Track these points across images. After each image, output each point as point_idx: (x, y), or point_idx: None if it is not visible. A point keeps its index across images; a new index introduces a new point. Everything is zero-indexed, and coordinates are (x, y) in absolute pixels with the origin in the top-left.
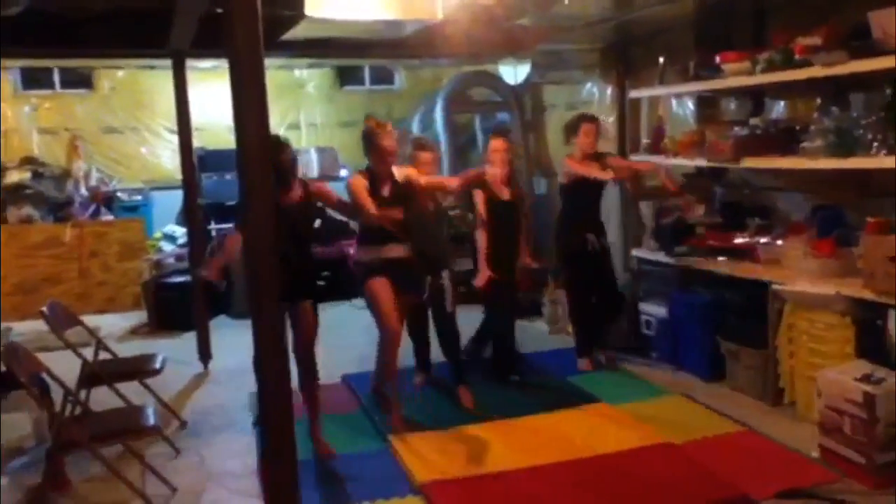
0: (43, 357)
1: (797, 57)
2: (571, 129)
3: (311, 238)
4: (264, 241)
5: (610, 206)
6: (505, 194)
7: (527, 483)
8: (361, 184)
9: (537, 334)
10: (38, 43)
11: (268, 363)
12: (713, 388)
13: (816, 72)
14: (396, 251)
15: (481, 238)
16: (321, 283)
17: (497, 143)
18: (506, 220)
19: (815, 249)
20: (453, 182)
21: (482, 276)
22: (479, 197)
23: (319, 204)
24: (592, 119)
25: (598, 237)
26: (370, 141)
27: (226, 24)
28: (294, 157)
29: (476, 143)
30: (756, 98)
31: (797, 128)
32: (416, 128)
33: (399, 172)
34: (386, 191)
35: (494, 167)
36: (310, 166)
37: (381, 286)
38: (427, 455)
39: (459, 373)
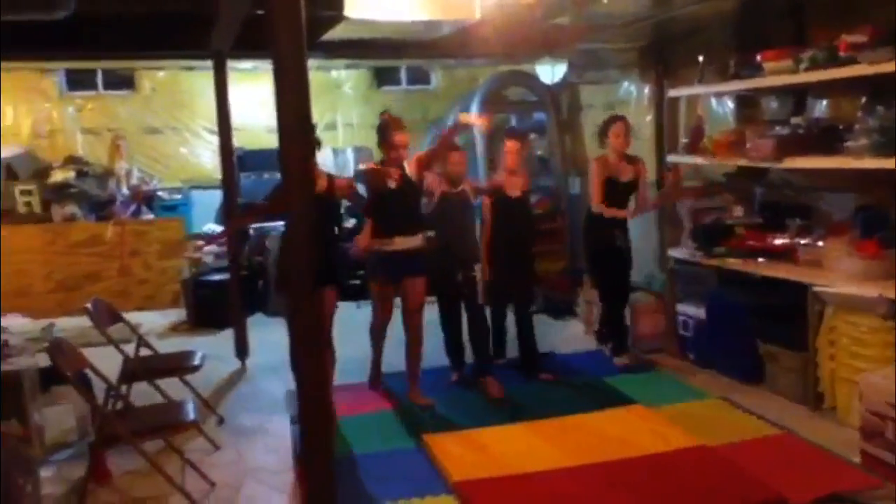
0: (85, 352)
1: (841, 54)
2: (603, 132)
3: (334, 229)
4: (303, 240)
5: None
6: (515, 191)
7: (561, 483)
8: (371, 168)
9: (573, 335)
10: (83, 45)
11: (305, 361)
12: (751, 391)
13: (862, 70)
14: (405, 243)
15: (483, 237)
16: (356, 281)
17: (510, 145)
18: (516, 218)
19: (858, 251)
20: (477, 119)
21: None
22: (485, 199)
23: (347, 203)
24: (621, 118)
25: (624, 234)
26: (383, 134)
27: (270, 25)
28: (317, 144)
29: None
30: (797, 97)
31: (840, 127)
32: None
33: (410, 166)
34: (393, 182)
35: (507, 167)
36: (347, 166)
37: (382, 291)
38: (461, 454)
39: (482, 365)
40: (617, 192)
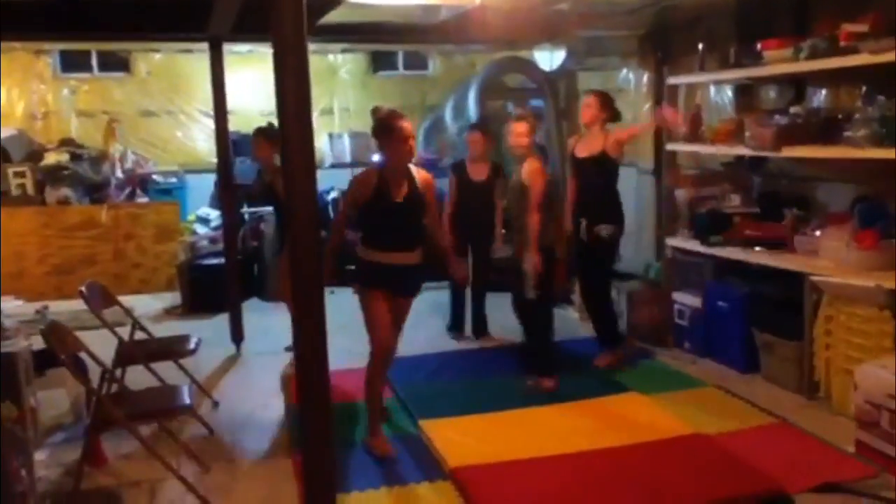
0: (80, 336)
1: (842, 44)
2: None
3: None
4: (308, 224)
5: (645, 194)
6: (479, 176)
7: (557, 470)
8: (366, 184)
9: (568, 322)
10: (78, 27)
11: (305, 345)
12: (747, 380)
13: (863, 59)
14: (402, 259)
15: (445, 213)
16: (352, 267)
17: (473, 136)
18: (476, 201)
19: (856, 241)
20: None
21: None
22: (451, 181)
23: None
24: (590, 92)
25: (593, 224)
26: (384, 128)
27: (271, 8)
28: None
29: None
30: (797, 86)
31: (840, 117)
32: (448, 114)
33: (418, 172)
34: (401, 194)
35: (471, 155)
36: (343, 151)
37: (376, 301)
38: (458, 441)
39: (540, 363)
40: (577, 167)
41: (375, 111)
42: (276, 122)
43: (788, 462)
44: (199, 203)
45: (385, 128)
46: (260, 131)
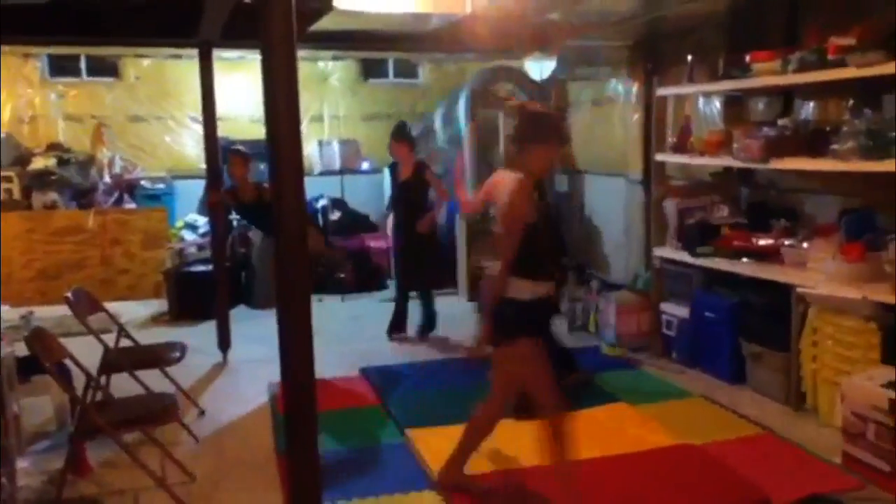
0: (65, 342)
1: (830, 57)
2: None
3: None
4: (295, 232)
5: (633, 205)
6: (405, 174)
7: (543, 480)
8: (530, 198)
9: (557, 333)
10: (67, 31)
11: (291, 352)
12: (734, 391)
13: (851, 73)
14: (550, 289)
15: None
16: (342, 275)
17: (394, 145)
18: (406, 198)
19: (843, 253)
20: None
21: None
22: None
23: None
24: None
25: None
26: (551, 125)
27: (260, 14)
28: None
29: (499, 139)
30: (785, 98)
31: (827, 129)
32: (438, 123)
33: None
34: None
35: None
36: (332, 158)
37: (535, 360)
38: (445, 450)
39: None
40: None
41: (524, 106)
42: (262, 130)
43: (775, 473)
44: (188, 209)
45: (550, 125)
46: (236, 152)
